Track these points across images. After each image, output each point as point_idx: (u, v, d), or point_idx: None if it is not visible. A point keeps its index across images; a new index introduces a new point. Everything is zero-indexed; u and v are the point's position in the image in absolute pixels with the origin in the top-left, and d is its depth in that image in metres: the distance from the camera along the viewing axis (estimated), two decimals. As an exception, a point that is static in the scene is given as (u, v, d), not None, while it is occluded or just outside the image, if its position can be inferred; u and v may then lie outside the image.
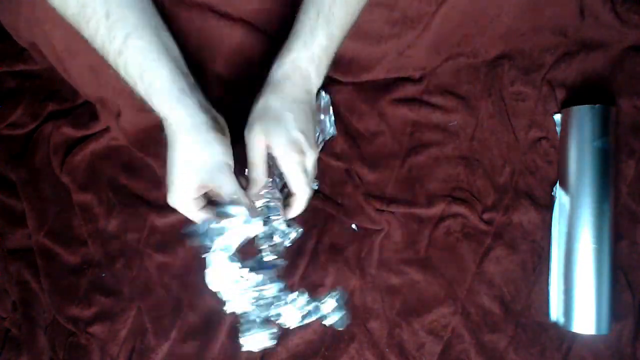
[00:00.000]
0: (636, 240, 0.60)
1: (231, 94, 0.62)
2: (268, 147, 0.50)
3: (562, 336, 0.60)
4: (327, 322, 0.56)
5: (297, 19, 0.51)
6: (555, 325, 0.60)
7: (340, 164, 0.65)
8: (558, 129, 0.63)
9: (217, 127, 0.50)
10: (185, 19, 0.57)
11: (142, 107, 0.65)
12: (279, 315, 0.53)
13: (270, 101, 0.50)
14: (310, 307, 0.54)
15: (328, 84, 0.65)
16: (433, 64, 0.65)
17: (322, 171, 0.65)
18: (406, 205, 0.63)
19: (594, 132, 0.58)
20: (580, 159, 0.58)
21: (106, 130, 0.69)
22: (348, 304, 0.56)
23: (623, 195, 0.61)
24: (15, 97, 0.73)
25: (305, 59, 0.50)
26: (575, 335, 0.60)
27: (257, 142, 0.50)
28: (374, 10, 0.59)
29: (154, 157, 0.67)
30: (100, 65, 0.61)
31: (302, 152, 0.50)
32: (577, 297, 0.57)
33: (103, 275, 0.67)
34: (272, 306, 0.53)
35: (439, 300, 0.62)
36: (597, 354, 0.59)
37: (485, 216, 0.63)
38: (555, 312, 0.60)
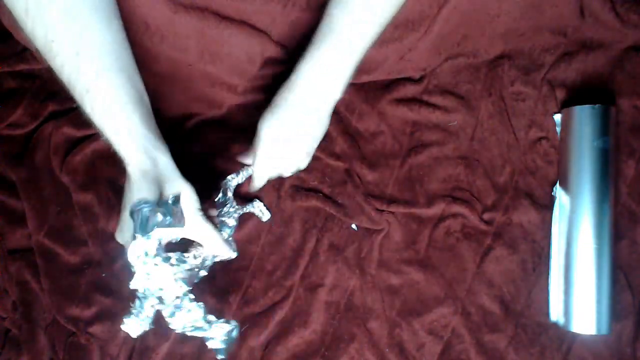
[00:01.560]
0: (636, 240, 0.60)
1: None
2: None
3: (562, 336, 0.60)
4: (210, 344, 0.51)
5: (324, 19, 0.50)
6: (555, 325, 0.60)
7: (340, 164, 0.65)
8: (558, 129, 0.63)
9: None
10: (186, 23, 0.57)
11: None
12: (172, 315, 0.50)
13: (287, 108, 0.51)
14: (201, 323, 0.51)
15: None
16: (433, 64, 0.65)
17: (322, 171, 0.65)
18: (406, 205, 0.63)
19: (595, 132, 0.58)
20: (580, 158, 0.58)
21: (106, 130, 0.69)
22: (235, 342, 0.53)
23: (623, 195, 0.61)
24: (15, 97, 0.73)
25: (332, 60, 0.49)
26: (575, 335, 0.60)
27: (266, 136, 0.53)
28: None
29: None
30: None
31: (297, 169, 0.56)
32: (577, 297, 0.57)
33: (103, 275, 0.67)
34: (172, 306, 0.50)
35: (439, 300, 0.62)
36: (597, 354, 0.59)
37: (485, 216, 0.63)
38: (556, 312, 0.60)
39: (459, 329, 0.61)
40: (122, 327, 0.50)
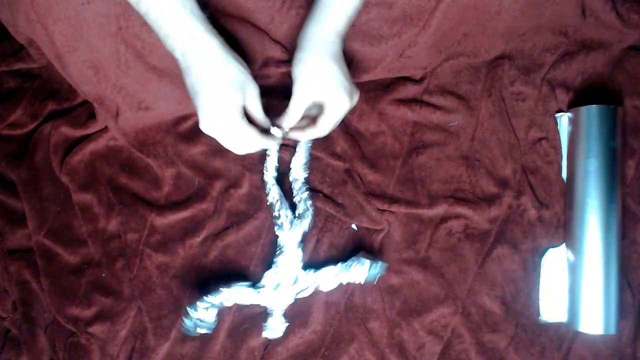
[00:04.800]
0: (636, 240, 0.61)
1: None
2: (314, 100, 0.53)
3: (562, 336, 0.60)
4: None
5: None
6: (547, 325, 0.60)
7: (341, 164, 0.65)
8: (559, 128, 0.63)
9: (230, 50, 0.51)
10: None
11: (141, 104, 0.65)
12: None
13: (309, 62, 0.51)
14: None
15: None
16: (434, 63, 0.65)
17: (322, 171, 0.65)
18: (407, 205, 0.63)
19: (608, 132, 0.58)
20: (590, 158, 0.58)
21: (105, 130, 0.69)
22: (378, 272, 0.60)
23: (623, 195, 0.61)
24: (15, 97, 0.73)
25: (332, 18, 0.51)
26: (575, 335, 0.60)
27: (304, 96, 0.52)
28: (372, 10, 0.59)
29: (153, 157, 0.67)
30: (99, 61, 0.60)
31: (350, 98, 0.53)
32: (585, 297, 0.57)
33: (103, 275, 0.67)
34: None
35: (439, 300, 0.62)
36: (597, 354, 0.59)
37: (487, 216, 0.63)
38: (547, 312, 0.60)
39: (459, 329, 0.61)
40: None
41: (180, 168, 0.67)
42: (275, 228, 0.63)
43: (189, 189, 0.67)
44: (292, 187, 0.64)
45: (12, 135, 0.73)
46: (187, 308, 0.59)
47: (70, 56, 0.60)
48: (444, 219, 0.63)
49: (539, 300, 0.61)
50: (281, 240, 0.62)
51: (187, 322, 0.59)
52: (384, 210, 0.63)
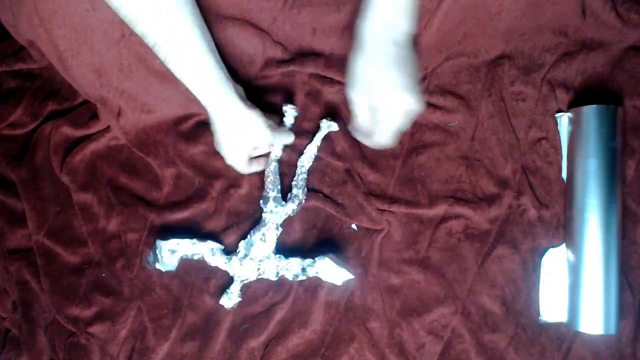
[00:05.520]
0: (636, 240, 0.61)
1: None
2: (371, 106, 0.52)
3: (562, 336, 0.60)
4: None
5: None
6: (547, 325, 0.60)
7: (341, 164, 0.65)
8: (560, 128, 0.63)
9: (243, 98, 0.57)
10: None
11: (143, 107, 0.65)
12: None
13: (364, 66, 0.50)
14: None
15: (328, 84, 0.65)
16: (434, 63, 0.65)
17: (322, 171, 0.65)
18: (407, 205, 0.63)
19: (608, 132, 0.58)
20: (590, 158, 0.58)
21: (106, 130, 0.69)
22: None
23: (623, 195, 0.61)
24: (15, 97, 0.73)
25: (389, 9, 0.49)
26: (575, 335, 0.60)
27: (361, 101, 0.52)
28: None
29: (154, 157, 0.67)
30: (102, 65, 0.61)
31: (407, 112, 0.51)
32: (585, 297, 0.57)
33: (103, 275, 0.67)
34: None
35: (439, 300, 0.62)
36: (597, 354, 0.59)
37: (487, 216, 0.62)
38: (547, 312, 0.60)
39: (459, 329, 0.61)
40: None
41: (181, 168, 0.67)
42: (261, 202, 0.63)
43: (189, 189, 0.67)
44: (295, 170, 0.64)
45: (12, 135, 0.73)
46: (157, 241, 0.61)
47: (73, 60, 0.60)
48: (444, 219, 0.63)
49: (539, 300, 0.61)
50: (264, 217, 0.63)
51: (151, 256, 0.62)
52: (384, 210, 0.63)
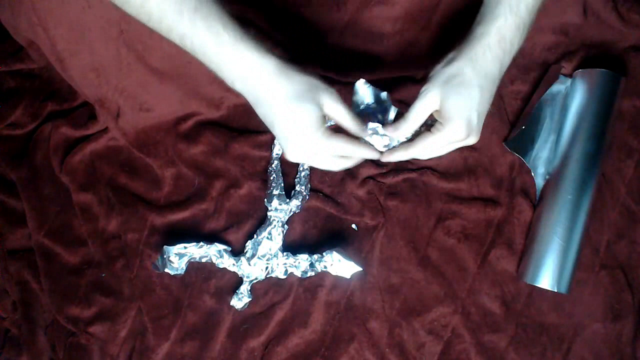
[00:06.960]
0: (636, 240, 0.60)
1: None
2: (436, 111, 0.47)
3: (562, 336, 0.60)
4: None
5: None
6: (552, 319, 0.60)
7: (340, 164, 0.65)
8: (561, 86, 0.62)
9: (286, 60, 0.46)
10: None
11: (142, 105, 0.65)
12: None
13: (463, 69, 0.45)
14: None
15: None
16: (435, 62, 0.65)
17: (322, 170, 0.65)
18: (407, 204, 0.63)
19: (610, 97, 0.58)
20: (584, 118, 0.59)
21: (106, 130, 0.69)
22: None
23: (622, 194, 0.61)
24: (15, 97, 0.73)
25: (510, 28, 0.45)
26: (575, 335, 0.60)
27: (430, 103, 0.46)
28: (374, 8, 0.59)
29: (153, 158, 0.67)
30: (101, 64, 0.61)
31: (467, 136, 0.46)
32: (543, 249, 0.58)
33: (103, 275, 0.67)
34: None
35: (439, 300, 0.62)
36: (597, 354, 0.59)
37: (486, 215, 0.62)
38: (523, 268, 0.60)
39: (459, 329, 0.61)
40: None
41: (180, 168, 0.67)
42: (265, 200, 0.63)
43: (189, 189, 0.67)
44: (297, 168, 0.64)
45: (12, 135, 0.73)
46: (164, 247, 0.62)
47: (72, 59, 0.60)
48: (442, 217, 0.63)
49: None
50: (269, 215, 0.63)
51: (159, 261, 0.62)
52: (384, 210, 0.63)
